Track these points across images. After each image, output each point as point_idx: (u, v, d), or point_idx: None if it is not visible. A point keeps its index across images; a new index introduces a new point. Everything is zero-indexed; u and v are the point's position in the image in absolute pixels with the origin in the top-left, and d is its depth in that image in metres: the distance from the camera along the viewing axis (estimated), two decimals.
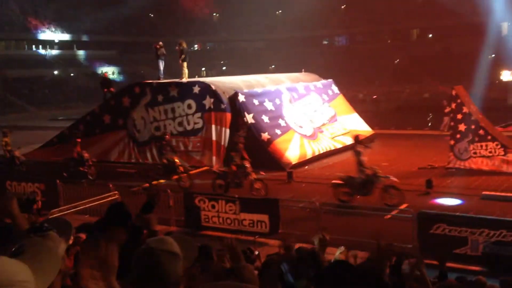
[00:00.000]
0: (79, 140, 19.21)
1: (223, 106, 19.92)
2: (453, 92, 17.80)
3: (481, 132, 17.21)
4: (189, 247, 2.38)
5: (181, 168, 16.87)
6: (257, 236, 11.79)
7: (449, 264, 9.44)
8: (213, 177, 16.17)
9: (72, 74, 60.60)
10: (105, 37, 62.72)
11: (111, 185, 13.92)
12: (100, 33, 62.43)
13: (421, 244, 10.20)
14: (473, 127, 17.30)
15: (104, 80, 25.29)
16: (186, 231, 12.17)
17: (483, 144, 17.09)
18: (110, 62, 59.63)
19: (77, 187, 14.67)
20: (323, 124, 23.03)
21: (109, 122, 22.15)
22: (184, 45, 22.25)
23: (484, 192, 14.21)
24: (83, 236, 4.51)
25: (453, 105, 17.68)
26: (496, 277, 6.48)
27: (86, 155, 18.64)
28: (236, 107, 20.04)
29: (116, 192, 13.52)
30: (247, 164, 15.45)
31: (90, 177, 17.78)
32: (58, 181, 14.68)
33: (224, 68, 60.48)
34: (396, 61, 53.04)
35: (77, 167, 18.41)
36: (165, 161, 17.12)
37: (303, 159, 19.93)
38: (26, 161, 20.63)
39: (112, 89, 24.44)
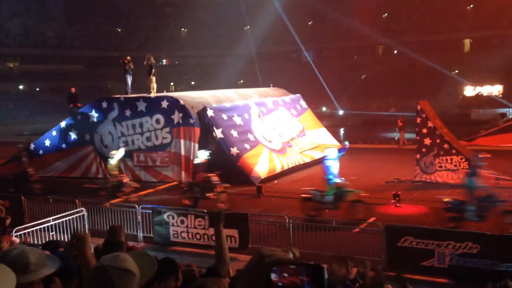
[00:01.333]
0: (24, 155, 19.68)
1: (191, 121, 19.86)
2: (418, 107, 18.17)
3: (446, 146, 17.58)
4: (147, 264, 2.36)
5: (220, 188, 15.76)
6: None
7: (416, 277, 9.62)
8: (181, 192, 16.17)
9: (37, 89, 59.52)
10: (72, 51, 61.95)
11: (77, 201, 13.66)
12: (66, 47, 61.64)
13: (389, 257, 10.31)
14: (438, 141, 17.67)
15: (71, 95, 24.93)
16: (154, 247, 12.02)
17: (448, 157, 17.45)
18: (76, 77, 58.90)
19: (42, 204, 14.35)
20: (292, 139, 23.17)
21: (75, 137, 21.82)
22: (152, 59, 22.17)
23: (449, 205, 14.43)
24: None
25: (418, 120, 18.03)
26: None
27: (30, 171, 18.77)
28: (205, 122, 20.01)
29: (83, 208, 13.27)
30: (214, 177, 15.47)
31: (36, 193, 17.54)
32: (23, 197, 14.34)
33: (192, 83, 60.40)
34: (362, 77, 53.89)
35: (22, 183, 18.44)
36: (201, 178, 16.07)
37: (272, 174, 19.99)
38: None
39: (78, 104, 24.10)
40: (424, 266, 9.96)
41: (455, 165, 17.38)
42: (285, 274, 1.58)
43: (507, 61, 42.36)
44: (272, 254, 1.58)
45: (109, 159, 17.51)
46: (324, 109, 45.13)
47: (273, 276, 1.58)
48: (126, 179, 17.20)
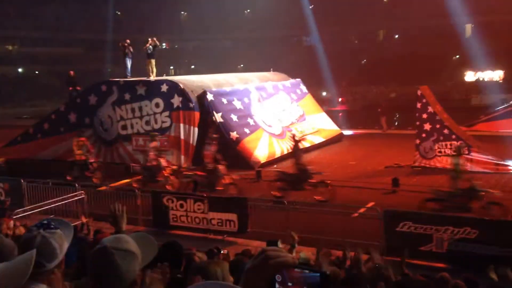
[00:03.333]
0: (82, 139, 18.11)
1: (191, 105, 19.80)
2: (419, 92, 18.12)
3: (445, 131, 17.56)
4: (148, 246, 2.37)
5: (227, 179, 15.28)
6: (225, 235, 11.77)
7: (414, 261, 9.64)
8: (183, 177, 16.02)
9: (36, 72, 59.27)
10: (70, 34, 61.57)
11: (77, 185, 13.68)
12: (65, 30, 61.24)
13: (387, 242, 10.34)
14: (438, 126, 17.65)
15: (70, 78, 24.83)
16: (154, 230, 12.05)
17: (448, 143, 17.43)
18: (75, 60, 58.64)
19: (42, 187, 14.36)
20: (292, 123, 23.14)
21: (75, 121, 21.77)
22: (156, 41, 22.04)
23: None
24: None
25: (419, 105, 17.99)
26: (460, 274, 6.60)
27: (90, 158, 17.69)
28: (204, 106, 19.96)
29: (82, 191, 13.29)
30: (221, 168, 15.08)
31: (96, 182, 16.69)
32: (22, 180, 14.35)
33: (192, 67, 60.15)
34: (363, 62, 53.65)
35: (82, 171, 17.36)
36: (299, 168, 14.62)
37: (272, 158, 19.99)
38: None
39: (78, 88, 24.02)
40: (422, 251, 9.99)
41: (454, 151, 17.32)
42: (290, 281, 1.57)
43: (508, 47, 42.14)
44: (278, 255, 1.57)
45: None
46: (324, 93, 45.00)
47: (277, 281, 1.56)
48: (164, 163, 16.58)
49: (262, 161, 19.17)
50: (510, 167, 16.69)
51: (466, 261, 9.57)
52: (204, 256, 6.54)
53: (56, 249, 2.42)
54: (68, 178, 16.83)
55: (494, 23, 45.04)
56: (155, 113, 20.40)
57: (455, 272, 7.96)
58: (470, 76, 46.95)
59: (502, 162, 16.88)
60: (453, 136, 17.47)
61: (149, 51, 21.91)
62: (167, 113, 20.17)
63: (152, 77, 21.65)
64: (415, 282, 5.74)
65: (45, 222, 2.49)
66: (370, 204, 13.21)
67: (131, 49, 22.67)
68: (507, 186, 15.10)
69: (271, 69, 28.85)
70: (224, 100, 20.59)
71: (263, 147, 20.04)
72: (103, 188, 14.59)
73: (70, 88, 23.91)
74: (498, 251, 9.42)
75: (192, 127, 19.66)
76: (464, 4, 44.45)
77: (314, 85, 33.20)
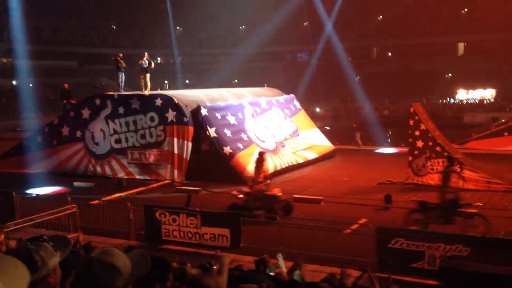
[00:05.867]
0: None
1: (185, 120, 19.85)
2: (411, 110, 18.24)
3: (438, 148, 17.65)
4: (141, 264, 2.38)
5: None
6: (218, 250, 11.72)
7: (406, 278, 9.66)
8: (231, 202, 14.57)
9: (31, 85, 59.17)
10: (65, 47, 61.69)
11: (69, 198, 13.62)
12: (60, 43, 61.37)
13: (380, 258, 10.35)
14: (430, 143, 17.74)
15: (64, 91, 24.85)
16: (146, 245, 12.00)
17: (440, 160, 17.51)
18: (70, 73, 58.63)
19: (33, 200, 14.28)
20: (285, 139, 23.19)
21: (67, 134, 21.76)
22: (147, 57, 22.20)
23: (232, 192, 14.82)
24: None
25: (411, 122, 18.09)
26: None
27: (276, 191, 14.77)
28: (198, 121, 20.00)
29: (74, 205, 13.24)
30: (277, 191, 14.44)
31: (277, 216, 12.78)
32: (14, 193, 14.28)
33: (187, 81, 60.31)
34: (357, 78, 54.02)
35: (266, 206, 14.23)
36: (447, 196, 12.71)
37: (265, 173, 19.95)
38: None
39: (71, 101, 24.04)
40: (414, 268, 10.00)
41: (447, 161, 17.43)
42: None
43: (500, 65, 42.57)
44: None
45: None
46: (317, 109, 45.20)
47: None
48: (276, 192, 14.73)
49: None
50: (502, 185, 16.75)
51: (458, 279, 9.57)
52: (197, 270, 6.54)
53: (37, 262, 2.38)
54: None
55: (487, 41, 45.53)
56: (150, 127, 20.43)
57: None
58: (462, 94, 47.33)
59: (494, 180, 16.96)
60: (445, 154, 17.55)
61: (144, 66, 22.01)
62: (161, 127, 20.21)
63: (147, 92, 21.72)
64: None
65: (39, 236, 2.50)
66: (362, 221, 13.21)
67: (124, 64, 22.77)
68: (499, 204, 15.17)
69: (265, 84, 29.00)
70: (218, 115, 20.65)
71: None
72: (95, 202, 14.53)
73: (64, 101, 23.92)
74: (490, 269, 9.44)
75: (186, 142, 19.68)
76: (457, 23, 44.98)
77: (308, 101, 33.36)
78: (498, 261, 9.39)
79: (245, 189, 14.89)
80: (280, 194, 14.53)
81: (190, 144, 19.65)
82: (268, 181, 14.76)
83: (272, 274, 7.05)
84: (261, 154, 15.33)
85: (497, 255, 9.49)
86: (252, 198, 14.26)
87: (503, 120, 29.07)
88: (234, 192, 14.95)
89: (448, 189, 12.66)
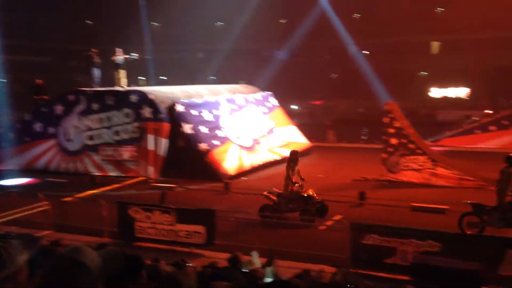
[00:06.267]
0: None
1: (160, 116, 19.71)
2: (386, 107, 18.45)
3: (411, 146, 17.88)
4: (113, 262, 2.36)
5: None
6: (192, 247, 11.69)
7: (380, 274, 9.76)
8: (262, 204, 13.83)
9: (4, 80, 58.08)
10: (40, 43, 60.71)
11: (40, 195, 13.42)
12: (34, 39, 60.35)
13: (354, 255, 10.44)
14: (404, 141, 17.96)
15: (36, 87, 24.42)
16: (119, 242, 11.89)
17: (414, 157, 17.75)
18: (45, 69, 57.74)
19: (4, 197, 14.04)
20: (262, 136, 23.22)
21: (39, 130, 21.43)
22: (121, 54, 21.96)
23: (413, 204, 14.74)
24: None
25: (386, 120, 18.29)
26: (424, 287, 6.70)
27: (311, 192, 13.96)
28: (174, 118, 19.89)
29: (47, 202, 13.04)
30: (313, 193, 13.75)
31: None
32: None
33: (163, 77, 59.89)
34: (333, 76, 54.32)
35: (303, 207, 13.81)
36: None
37: (241, 171, 20.01)
38: None
39: (45, 96, 23.64)
40: (387, 264, 10.11)
41: (420, 165, 17.70)
42: None
43: (474, 65, 43.24)
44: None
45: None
46: (295, 107, 45.34)
47: None
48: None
49: (231, 173, 19.16)
50: (473, 182, 17.03)
51: (430, 274, 9.71)
52: (170, 268, 6.51)
53: (4, 260, 2.34)
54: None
55: (462, 41, 46.17)
56: (124, 123, 20.25)
57: (419, 284, 8.09)
58: (436, 92, 47.95)
59: (465, 177, 17.24)
60: (419, 151, 17.81)
61: (118, 62, 21.78)
62: (136, 124, 20.04)
63: (122, 88, 21.51)
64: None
65: (6, 233, 2.46)
66: (337, 217, 13.31)
67: (99, 59, 22.49)
68: (469, 200, 15.35)
69: (242, 81, 28.98)
70: (194, 112, 20.56)
71: (232, 159, 20.04)
72: (68, 199, 14.34)
73: (36, 97, 23.52)
74: (461, 264, 9.60)
75: (161, 138, 19.55)
76: (432, 22, 45.53)
77: (285, 99, 33.41)
78: (468, 257, 9.56)
79: (277, 189, 14.04)
80: (315, 195, 13.74)
81: (165, 141, 19.53)
82: (303, 181, 13.95)
83: (246, 271, 7.06)
84: (294, 154, 14.50)
85: (467, 251, 9.65)
86: (285, 200, 13.60)
87: (475, 118, 29.56)
88: (266, 193, 14.01)
89: (510, 192, 11.88)
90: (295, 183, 13.78)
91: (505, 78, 40.85)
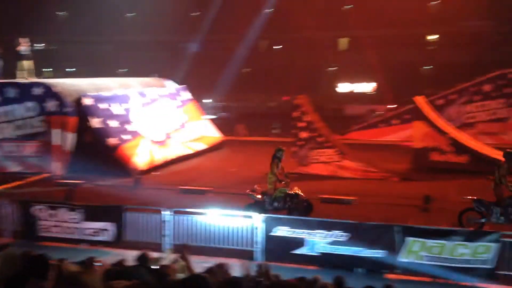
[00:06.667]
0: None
1: (66, 110, 18.94)
2: (296, 102, 18.87)
3: (321, 139, 18.43)
4: (11, 263, 2.26)
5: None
6: (101, 245, 11.37)
7: (288, 265, 9.99)
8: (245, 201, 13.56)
9: None
10: None
11: None
12: None
13: (265, 247, 10.61)
14: (314, 134, 18.47)
15: None
16: (22, 242, 11.31)
17: (322, 150, 18.31)
18: None
19: None
20: (174, 130, 22.96)
21: None
22: (26, 44, 20.85)
23: (321, 196, 15.20)
24: None
25: (296, 114, 18.70)
26: (331, 275, 6.91)
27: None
28: (81, 111, 19.18)
29: None
30: (299, 191, 13.42)
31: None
32: None
33: (70, 69, 57.58)
34: (245, 70, 54.73)
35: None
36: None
37: (153, 165, 19.71)
38: None
39: None
40: (295, 255, 10.37)
41: (328, 158, 18.28)
42: None
43: (379, 61, 45.19)
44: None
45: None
46: (208, 100, 45.26)
47: None
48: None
49: (142, 168, 18.81)
50: (377, 173, 17.83)
51: (337, 263, 10.08)
52: (76, 267, 6.27)
53: None
54: None
55: (368, 37, 48.02)
56: (27, 117, 19.25)
57: (327, 273, 8.36)
58: (344, 87, 49.66)
59: (370, 169, 18.01)
60: (327, 144, 18.38)
61: (21, 53, 20.66)
62: (40, 118, 19.12)
63: (25, 80, 20.41)
64: (286, 285, 5.92)
65: None
66: None
67: (1, 49, 21.21)
68: (374, 191, 16.09)
69: (154, 74, 28.49)
70: (103, 105, 19.93)
71: (143, 154, 19.67)
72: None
73: None
74: (367, 252, 10.04)
75: (67, 133, 18.79)
76: (340, 19, 47.06)
77: (198, 92, 33.23)
78: (374, 245, 10.02)
79: (259, 187, 13.54)
80: (301, 192, 13.41)
81: (72, 135, 18.80)
82: (288, 178, 13.62)
83: (157, 267, 6.96)
84: (279, 150, 14.06)
85: (373, 239, 10.09)
86: (270, 198, 13.20)
87: (380, 113, 30.96)
88: (249, 192, 13.57)
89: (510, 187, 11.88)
90: (281, 180, 13.39)
91: (408, 74, 43.17)
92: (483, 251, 9.48)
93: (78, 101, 19.30)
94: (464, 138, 20.05)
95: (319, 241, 10.32)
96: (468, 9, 42.44)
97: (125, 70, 51.41)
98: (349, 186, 16.50)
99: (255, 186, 13.72)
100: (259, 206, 12.89)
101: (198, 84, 40.24)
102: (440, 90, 25.25)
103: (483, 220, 11.94)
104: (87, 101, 19.35)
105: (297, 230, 10.49)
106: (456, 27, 44.98)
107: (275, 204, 13.16)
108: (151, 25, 53.88)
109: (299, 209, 12.98)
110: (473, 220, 12.03)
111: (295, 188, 13.44)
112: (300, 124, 18.62)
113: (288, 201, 13.17)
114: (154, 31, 55.09)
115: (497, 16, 41.56)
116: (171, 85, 26.72)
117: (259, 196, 13.28)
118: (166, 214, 11.29)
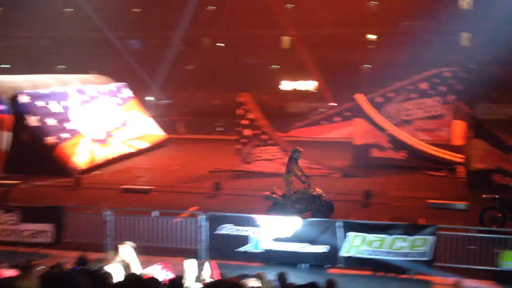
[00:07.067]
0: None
1: (1, 108, 18.22)
2: (239, 99, 18.91)
3: (264, 137, 18.56)
4: None
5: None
6: (39, 247, 11.02)
7: (233, 262, 10.01)
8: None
9: None
10: None
11: None
12: None
13: (209, 245, 10.59)
14: (257, 132, 18.58)
15: None
16: None
17: (266, 148, 18.46)
18: None
19: None
20: (116, 128, 22.51)
21: None
22: None
23: (264, 193, 15.29)
24: None
25: (239, 112, 18.74)
26: (275, 271, 6.99)
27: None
28: (18, 109, 18.49)
29: None
30: (322, 192, 13.06)
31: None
32: None
33: (5, 66, 55.35)
34: (189, 67, 54.34)
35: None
36: None
37: (93, 164, 19.30)
38: None
39: None
40: (240, 252, 10.41)
41: (272, 155, 18.44)
42: None
43: (320, 59, 45.94)
44: None
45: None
46: (150, 98, 44.67)
47: None
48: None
49: (82, 167, 18.37)
50: (320, 170, 18.13)
51: (281, 259, 10.20)
52: (14, 271, 6.07)
53: None
54: None
55: (309, 36, 48.68)
56: None
57: (271, 270, 8.45)
58: (286, 85, 50.17)
59: (313, 166, 18.27)
60: (271, 142, 18.54)
61: None
62: None
63: None
64: (227, 284, 5.92)
65: None
66: (193, 208, 13.38)
67: None
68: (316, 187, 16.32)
69: (95, 71, 27.83)
70: (40, 103, 19.30)
71: (83, 153, 19.21)
72: None
73: None
74: (310, 248, 10.20)
75: (2, 132, 18.07)
76: (282, 17, 47.49)
77: (140, 89, 32.71)
78: (317, 240, 10.18)
79: (278, 190, 13.13)
80: (323, 192, 13.05)
81: (8, 134, 18.10)
82: (308, 178, 13.12)
83: (97, 269, 6.82)
84: (297, 151, 13.62)
85: (316, 235, 10.25)
86: (292, 200, 12.84)
87: (322, 110, 31.47)
88: (268, 194, 13.10)
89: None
90: (305, 181, 12.97)
91: (348, 72, 44.16)
92: (420, 244, 9.82)
93: (13, 99, 18.60)
94: (402, 135, 20.70)
95: (263, 238, 10.40)
96: (406, 9, 43.83)
97: (64, 66, 50.02)
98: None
99: (274, 188, 13.31)
100: (280, 209, 12.60)
101: (139, 82, 39.67)
102: (379, 88, 25.92)
103: (503, 218, 11.89)
104: (23, 99, 18.68)
105: (241, 228, 10.53)
106: (394, 27, 46.41)
107: (298, 206, 12.81)
108: (91, 21, 52.57)
109: (323, 210, 12.63)
110: (494, 218, 11.98)
111: (317, 188, 13.06)
112: (244, 122, 18.69)
113: (311, 203, 12.84)
114: (94, 28, 53.79)
115: (433, 16, 43.14)
116: (111, 83, 26.15)
117: (280, 199, 12.91)
118: (107, 214, 11.05)
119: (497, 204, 12.07)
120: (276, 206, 12.82)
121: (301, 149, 13.73)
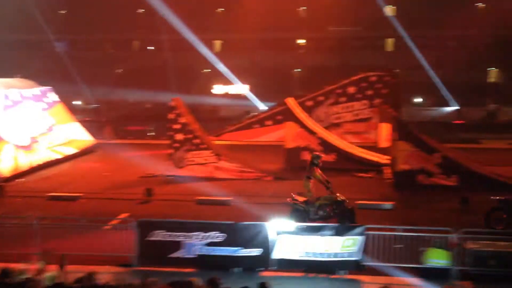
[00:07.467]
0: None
1: None
2: (171, 103, 18.75)
3: (197, 141, 18.50)
4: None
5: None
6: None
7: (165, 269, 9.89)
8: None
9: None
10: None
11: None
12: None
13: (140, 252, 10.40)
14: (189, 136, 18.48)
15: None
16: None
17: (198, 152, 18.39)
18: None
19: None
20: (41, 134, 21.72)
21: None
22: None
23: (198, 197, 15.25)
24: None
25: (171, 116, 18.58)
26: (208, 276, 6.97)
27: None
28: None
29: None
30: (343, 197, 12.71)
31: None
32: None
33: None
34: (118, 71, 53.26)
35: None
36: None
37: (18, 172, 18.56)
38: None
39: None
40: (173, 258, 10.29)
41: (205, 159, 18.39)
42: None
43: (252, 63, 46.37)
44: None
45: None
46: (78, 102, 43.43)
47: None
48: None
49: (5, 175, 17.60)
50: (252, 173, 18.27)
51: (214, 264, 10.17)
52: None
53: None
54: None
55: (241, 40, 49.01)
56: None
57: (204, 275, 8.41)
58: (218, 89, 50.22)
59: (246, 169, 18.40)
60: (203, 146, 18.49)
61: None
62: None
63: None
64: None
65: None
66: (123, 215, 13.11)
67: None
68: (249, 191, 16.45)
69: (18, 75, 26.73)
70: None
71: (7, 160, 18.41)
72: None
73: None
74: (242, 252, 10.25)
75: None
76: (214, 21, 47.59)
77: (66, 94, 31.71)
78: (250, 244, 10.25)
79: (300, 198, 12.73)
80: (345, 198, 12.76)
81: None
82: (331, 185, 12.70)
83: (22, 280, 6.58)
84: (317, 157, 13.16)
85: (248, 238, 10.31)
86: (315, 207, 12.47)
87: (254, 114, 31.69)
88: (290, 201, 12.75)
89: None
90: (329, 187, 12.63)
91: (279, 76, 44.82)
92: (350, 244, 10.09)
93: None
94: (332, 137, 21.20)
95: (195, 243, 10.34)
96: (334, 15, 45.01)
97: None
98: (226, 187, 16.71)
99: (293, 194, 12.96)
100: (303, 216, 12.33)
101: (66, 86, 38.45)
102: (309, 92, 26.39)
103: (509, 219, 11.94)
104: None
105: (173, 233, 10.42)
106: (323, 32, 47.58)
107: (321, 212, 12.54)
108: (13, 23, 50.54)
109: (347, 216, 12.27)
110: (500, 220, 12.06)
111: (338, 194, 12.77)
112: (176, 126, 18.54)
113: (334, 209, 12.55)
114: (15, 29, 51.75)
115: (361, 22, 44.60)
116: (36, 87, 25.13)
117: (303, 206, 12.61)
118: (33, 223, 10.63)
119: (501, 205, 12.21)
120: (297, 212, 12.56)
121: (321, 155, 13.54)
